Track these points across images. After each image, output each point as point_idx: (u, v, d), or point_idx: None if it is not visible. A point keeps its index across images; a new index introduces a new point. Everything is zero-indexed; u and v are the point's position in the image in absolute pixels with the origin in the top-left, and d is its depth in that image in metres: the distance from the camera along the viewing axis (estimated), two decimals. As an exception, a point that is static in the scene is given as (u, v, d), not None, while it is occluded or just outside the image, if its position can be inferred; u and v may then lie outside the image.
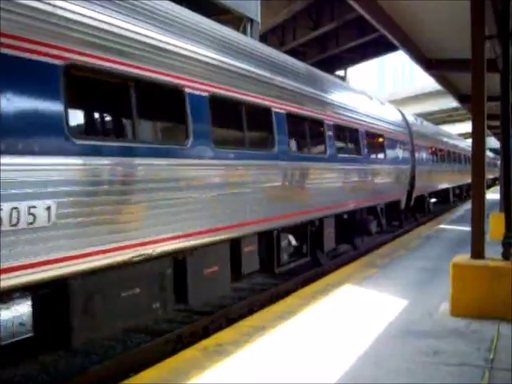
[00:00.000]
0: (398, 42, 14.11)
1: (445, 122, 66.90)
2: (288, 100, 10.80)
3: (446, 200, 31.90)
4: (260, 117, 10.09)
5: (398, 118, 20.63)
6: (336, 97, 13.61)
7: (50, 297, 6.24)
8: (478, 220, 8.25)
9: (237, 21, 19.35)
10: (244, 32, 19.10)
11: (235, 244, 9.18)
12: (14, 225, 5.10)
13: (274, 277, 12.62)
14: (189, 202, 7.62)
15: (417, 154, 21.92)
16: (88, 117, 7.25)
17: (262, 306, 9.90)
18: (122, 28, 6.59)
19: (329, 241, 13.08)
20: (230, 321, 9.09)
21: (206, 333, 8.54)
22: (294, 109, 11.10)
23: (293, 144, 11.59)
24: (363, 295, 9.16)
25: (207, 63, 8.20)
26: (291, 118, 10.90)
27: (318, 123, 12.47)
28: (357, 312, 8.11)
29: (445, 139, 31.82)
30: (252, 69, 9.49)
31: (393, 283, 10.02)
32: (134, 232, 6.65)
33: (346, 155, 14.02)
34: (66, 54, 5.84)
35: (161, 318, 8.90)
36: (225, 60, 8.68)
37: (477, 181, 8.49)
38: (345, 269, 11.92)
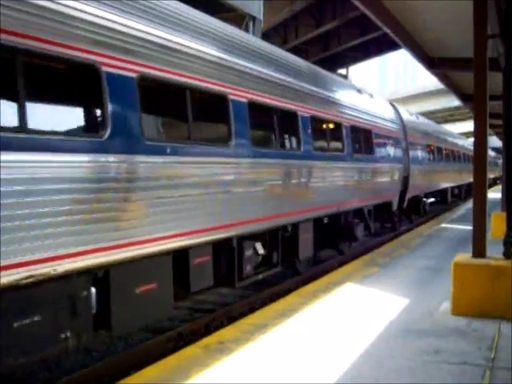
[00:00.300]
0: (401, 40, 14.11)
1: (447, 121, 66.82)
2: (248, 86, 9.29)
3: (444, 200, 30.84)
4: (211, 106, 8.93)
5: (390, 113, 19.05)
6: (314, 86, 12.07)
7: None
8: (479, 219, 8.25)
9: (239, 19, 19.33)
10: (246, 30, 19.09)
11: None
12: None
13: (275, 275, 12.62)
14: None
15: (411, 152, 20.65)
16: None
17: (264, 304, 9.91)
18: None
19: (305, 248, 11.69)
20: (232, 319, 9.10)
21: (208, 331, 8.55)
22: (255, 96, 9.44)
23: (257, 139, 9.84)
24: (364, 294, 9.17)
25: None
26: (252, 108, 9.25)
27: (290, 115, 10.89)
28: (358, 311, 8.11)
29: (443, 137, 30.65)
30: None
31: (394, 282, 10.03)
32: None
33: (325, 152, 12.66)
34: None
35: (73, 349, 6.59)
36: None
37: (478, 180, 8.50)
38: (346, 267, 11.93)
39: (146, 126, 6.85)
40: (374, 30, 30.99)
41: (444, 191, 29.98)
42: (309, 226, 11.80)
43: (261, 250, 9.84)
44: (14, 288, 5.22)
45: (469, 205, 26.19)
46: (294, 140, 11.24)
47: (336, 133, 13.32)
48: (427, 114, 48.15)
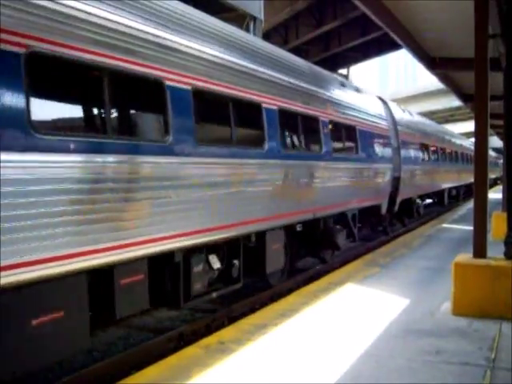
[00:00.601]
0: (402, 40, 14.12)
1: (447, 121, 66.82)
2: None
3: (441, 202, 29.66)
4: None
5: (378, 109, 17.40)
6: (282, 74, 10.53)
7: None
8: (480, 219, 8.26)
9: (240, 19, 19.33)
10: (247, 30, 19.09)
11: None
12: None
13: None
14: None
15: (403, 152, 19.08)
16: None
17: (264, 304, 9.91)
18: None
19: (274, 259, 10.29)
20: (232, 319, 9.09)
21: (208, 331, 8.54)
22: (202, 82, 8.16)
23: (206, 134, 8.43)
24: (365, 294, 9.17)
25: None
26: (199, 97, 7.96)
27: (253, 108, 9.52)
28: (358, 311, 8.12)
29: (439, 136, 28.89)
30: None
31: (395, 282, 10.03)
32: None
33: (297, 150, 11.37)
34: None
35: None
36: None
37: (479, 180, 8.49)
38: (347, 267, 11.94)
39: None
40: (374, 30, 30.99)
41: (440, 193, 28.81)
42: (278, 234, 10.46)
43: (216, 264, 8.54)
44: None
45: (469, 205, 26.21)
46: (257, 136, 9.76)
47: (311, 128, 11.95)
48: (428, 114, 48.15)
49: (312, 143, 12.11)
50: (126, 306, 6.78)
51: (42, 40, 5.51)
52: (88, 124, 6.69)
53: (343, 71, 44.88)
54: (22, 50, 5.26)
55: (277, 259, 10.49)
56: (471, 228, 8.40)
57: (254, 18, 20.19)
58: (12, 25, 5.13)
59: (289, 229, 11.05)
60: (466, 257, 8.17)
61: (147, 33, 6.87)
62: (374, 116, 16.31)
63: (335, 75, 15.16)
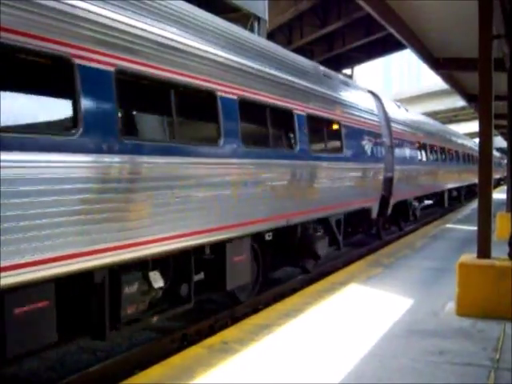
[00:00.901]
0: (406, 40, 14.11)
1: (451, 121, 66.69)
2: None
3: (441, 204, 28.11)
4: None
5: (369, 103, 15.92)
6: (241, 57, 9.06)
7: None
8: (484, 220, 8.25)
9: (244, 19, 19.35)
10: (251, 30, 19.10)
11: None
12: None
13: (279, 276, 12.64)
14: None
15: (397, 151, 17.73)
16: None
17: (267, 304, 9.91)
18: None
19: (237, 273, 8.97)
20: (236, 319, 9.10)
21: (212, 331, 8.54)
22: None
23: (146, 129, 7.87)
24: (368, 294, 9.16)
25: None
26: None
27: (204, 98, 8.23)
28: (362, 311, 8.11)
29: (439, 134, 27.23)
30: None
31: (398, 282, 10.02)
32: None
33: (263, 148, 9.80)
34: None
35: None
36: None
37: (484, 180, 8.48)
38: (350, 268, 11.93)
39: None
40: (378, 30, 30.95)
41: (440, 194, 27.24)
42: (243, 244, 9.13)
43: (159, 282, 7.16)
44: None
45: (473, 205, 26.16)
46: (210, 131, 8.59)
47: (282, 123, 10.67)
48: (432, 115, 48.07)
49: (283, 140, 10.97)
50: (20, 342, 5.42)
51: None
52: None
53: (347, 71, 44.89)
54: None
55: (241, 273, 9.12)
56: (475, 228, 8.40)
57: (259, 18, 20.21)
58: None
59: (258, 238, 9.86)
60: (470, 257, 8.16)
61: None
62: (364, 111, 14.95)
63: (318, 65, 13.54)
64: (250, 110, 9.20)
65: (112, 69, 6.27)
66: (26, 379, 7.05)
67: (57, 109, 6.26)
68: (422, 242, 15.61)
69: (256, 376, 5.57)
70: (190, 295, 7.90)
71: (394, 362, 5.92)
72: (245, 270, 9.27)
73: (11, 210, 5.01)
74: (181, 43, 7.47)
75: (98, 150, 5.99)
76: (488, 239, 8.17)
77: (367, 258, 13.17)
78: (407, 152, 19.34)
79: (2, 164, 4.91)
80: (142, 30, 6.75)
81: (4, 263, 4.93)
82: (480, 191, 8.52)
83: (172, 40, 7.30)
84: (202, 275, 8.62)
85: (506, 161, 35.05)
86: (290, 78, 10.60)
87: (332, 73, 14.03)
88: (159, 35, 7.05)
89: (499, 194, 25.76)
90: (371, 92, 17.37)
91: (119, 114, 6.46)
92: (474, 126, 51.38)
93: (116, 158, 6.24)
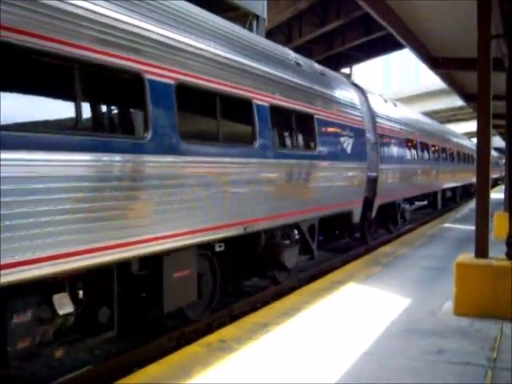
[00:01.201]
0: (405, 40, 14.12)
1: (450, 120, 66.80)
2: None
3: (435, 205, 26.84)
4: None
5: (350, 96, 14.45)
6: (185, 38, 7.71)
7: None
8: (482, 219, 8.26)
9: (244, 18, 19.35)
10: (250, 29, 19.09)
11: None
12: None
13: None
14: None
15: (382, 148, 16.27)
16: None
17: (266, 303, 9.91)
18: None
19: (178, 291, 7.69)
20: (234, 318, 9.10)
21: (210, 329, 8.55)
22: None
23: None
24: (367, 293, 9.17)
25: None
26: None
27: (123, 80, 6.79)
28: (360, 310, 8.12)
29: (432, 132, 25.67)
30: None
31: (396, 282, 10.03)
32: None
33: (213, 143, 8.35)
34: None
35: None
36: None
37: (481, 180, 8.49)
38: (348, 267, 11.94)
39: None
40: (378, 29, 30.97)
41: (433, 195, 25.99)
42: (186, 257, 7.85)
43: (66, 307, 5.88)
44: None
45: (471, 205, 26.18)
46: (134, 123, 7.18)
47: (238, 115, 9.47)
48: (431, 114, 48.12)
49: (240, 135, 9.66)
50: None
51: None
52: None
53: (346, 70, 44.90)
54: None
55: (184, 290, 7.87)
56: (473, 228, 8.40)
57: (257, 17, 20.20)
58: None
59: (209, 248, 8.71)
60: (467, 257, 8.17)
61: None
62: (344, 105, 13.63)
63: (291, 51, 12.07)
64: (192, 97, 8.00)
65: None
66: (26, 378, 7.04)
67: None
68: (420, 241, 15.62)
69: (254, 375, 5.57)
70: (114, 321, 6.59)
71: (392, 362, 5.93)
72: (189, 286, 7.96)
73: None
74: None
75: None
76: (486, 239, 8.18)
77: (366, 257, 13.17)
78: (394, 150, 17.88)
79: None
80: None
81: None
82: (478, 191, 8.54)
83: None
84: (137, 295, 7.52)
85: (503, 160, 35.04)
86: (247, 61, 9.26)
87: (308, 61, 12.77)
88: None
89: (497, 194, 25.77)
90: (355, 85, 16.28)
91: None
92: (472, 126, 51.33)
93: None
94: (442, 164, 26.56)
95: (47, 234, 5.39)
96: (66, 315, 5.93)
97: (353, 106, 14.26)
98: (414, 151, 20.96)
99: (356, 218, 14.38)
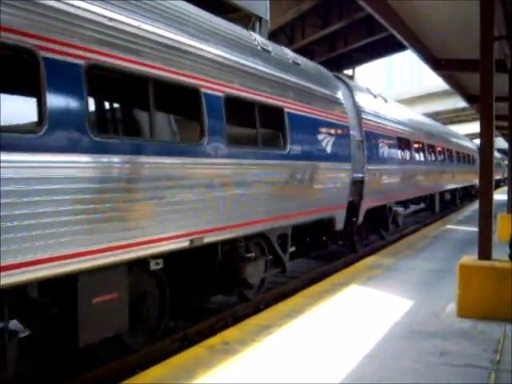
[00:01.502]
0: (408, 42, 14.11)
1: (452, 122, 66.77)
2: None
3: (432, 208, 25.41)
4: None
5: (331, 88, 12.96)
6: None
7: None
8: (485, 221, 8.25)
9: (246, 19, 19.36)
10: (253, 30, 19.10)
11: None
12: None
13: (280, 275, 12.64)
14: None
15: (371, 147, 15.01)
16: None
17: (268, 304, 9.90)
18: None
19: (100, 320, 6.39)
20: (236, 320, 9.10)
21: (213, 331, 8.54)
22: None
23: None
24: (369, 295, 9.16)
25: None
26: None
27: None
28: (362, 312, 8.11)
29: (427, 129, 24.10)
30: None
31: (399, 283, 10.02)
32: None
33: (139, 140, 7.12)
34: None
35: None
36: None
37: (484, 181, 8.48)
38: (351, 269, 11.91)
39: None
40: (380, 30, 30.99)
41: (429, 197, 24.39)
42: (111, 278, 6.47)
43: None
44: None
45: (473, 207, 26.13)
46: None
47: (181, 107, 8.40)
48: (433, 115, 48.09)
49: (181, 129, 8.51)
50: None
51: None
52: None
53: (349, 72, 44.94)
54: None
55: (108, 319, 6.53)
56: (476, 229, 8.39)
57: (260, 19, 20.21)
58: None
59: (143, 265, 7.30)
60: (470, 258, 8.16)
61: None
62: (322, 98, 12.15)
63: (257, 36, 10.75)
64: (112, 84, 6.91)
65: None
66: (28, 379, 7.04)
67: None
68: (423, 243, 15.59)
69: (257, 377, 5.57)
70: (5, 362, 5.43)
71: (395, 363, 5.92)
72: (116, 313, 6.62)
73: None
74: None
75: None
76: (489, 240, 8.16)
77: (368, 259, 13.14)
78: (384, 149, 16.32)
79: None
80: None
81: None
82: (481, 192, 8.53)
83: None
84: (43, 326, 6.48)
85: (506, 162, 34.88)
86: (189, 41, 7.71)
87: (279, 48, 11.33)
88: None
89: (500, 195, 25.72)
90: (339, 78, 14.89)
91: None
92: (474, 127, 51.43)
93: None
94: (439, 164, 25.31)
95: None
96: None
97: (334, 100, 12.87)
98: (407, 151, 19.61)
99: (339, 225, 12.94)
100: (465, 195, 34.40)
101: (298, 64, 11.45)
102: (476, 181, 34.30)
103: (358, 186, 14.04)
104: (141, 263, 7.11)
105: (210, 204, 7.96)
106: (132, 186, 6.57)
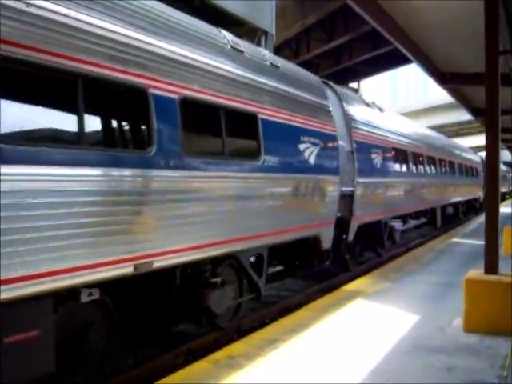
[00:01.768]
0: (412, 55, 14.15)
1: (457, 134, 66.74)
2: None
3: (434, 223, 24.09)
4: None
5: (317, 94, 11.87)
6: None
7: None
8: (491, 234, 8.22)
9: (252, 33, 19.47)
10: (259, 44, 19.18)
11: None
12: None
13: (285, 289, 12.61)
14: None
15: (362, 158, 13.84)
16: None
17: (274, 318, 9.87)
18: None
19: (16, 361, 5.23)
20: (242, 333, 9.06)
21: (218, 345, 8.50)
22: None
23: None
24: (375, 309, 9.12)
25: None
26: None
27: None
28: (368, 326, 8.07)
29: (427, 141, 22.99)
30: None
31: (405, 298, 9.97)
32: None
33: (75, 149, 5.75)
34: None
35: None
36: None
37: (491, 194, 8.46)
38: (357, 282, 11.87)
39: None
40: (385, 44, 31.00)
41: (430, 211, 23.04)
42: (30, 312, 5.38)
43: None
44: None
45: (479, 219, 26.02)
46: None
47: (125, 110, 7.03)
48: (438, 128, 48.06)
49: (121, 136, 7.15)
50: None
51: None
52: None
53: (354, 85, 45.03)
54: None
55: (26, 359, 5.36)
56: (482, 242, 8.36)
57: (266, 33, 20.32)
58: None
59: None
60: (477, 273, 8.12)
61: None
62: (306, 104, 11.11)
63: (227, 34, 9.23)
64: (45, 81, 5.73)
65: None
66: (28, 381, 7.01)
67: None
68: (429, 257, 15.53)
69: (262, 392, 5.55)
70: None
71: (401, 379, 5.88)
72: (37, 353, 5.46)
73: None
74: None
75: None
76: (495, 254, 8.13)
77: (374, 273, 13.10)
78: (378, 161, 15.14)
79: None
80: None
81: None
82: (487, 205, 8.51)
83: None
84: None
85: (511, 174, 34.85)
86: (141, 36, 6.74)
87: (254, 48, 10.40)
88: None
89: (505, 208, 25.63)
90: (327, 84, 13.61)
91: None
92: (479, 140, 51.39)
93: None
94: (441, 177, 24.06)
95: None
96: None
97: (321, 108, 11.81)
98: (404, 163, 18.38)
99: (326, 244, 11.76)
100: (468, 209, 33.47)
101: (276, 66, 10.33)
102: (480, 194, 34.23)
103: (347, 200, 12.97)
104: (72, 294, 5.99)
105: (159, 224, 6.85)
106: (60, 204, 5.48)
